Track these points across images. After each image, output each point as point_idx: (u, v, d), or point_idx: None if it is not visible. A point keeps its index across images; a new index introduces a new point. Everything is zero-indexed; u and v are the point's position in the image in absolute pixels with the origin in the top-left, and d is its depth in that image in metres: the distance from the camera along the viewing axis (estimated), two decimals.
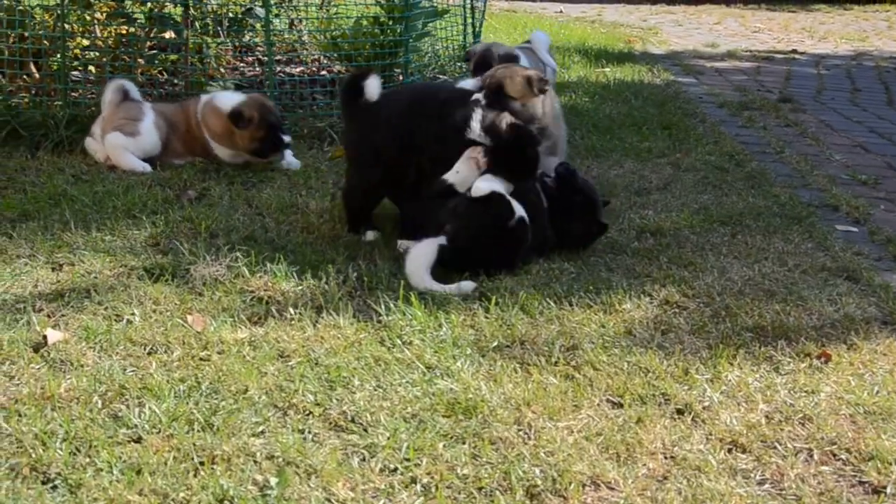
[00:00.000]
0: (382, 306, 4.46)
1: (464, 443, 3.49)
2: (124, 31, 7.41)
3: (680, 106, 9.23)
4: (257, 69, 8.60)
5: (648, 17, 17.71)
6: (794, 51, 14.14)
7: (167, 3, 7.66)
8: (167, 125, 6.59)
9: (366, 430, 3.53)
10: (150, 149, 6.52)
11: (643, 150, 7.47)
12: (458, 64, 9.44)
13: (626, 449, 3.51)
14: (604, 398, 3.85)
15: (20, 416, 3.47)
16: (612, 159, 7.20)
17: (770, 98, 10.08)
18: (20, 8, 7.12)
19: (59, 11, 6.98)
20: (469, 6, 9.41)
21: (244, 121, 6.45)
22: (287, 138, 6.59)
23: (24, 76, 7.12)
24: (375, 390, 3.80)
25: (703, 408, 3.80)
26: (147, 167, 6.38)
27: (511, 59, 6.78)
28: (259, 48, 8.73)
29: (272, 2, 9.02)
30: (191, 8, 7.78)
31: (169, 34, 7.52)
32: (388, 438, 3.47)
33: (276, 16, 9.32)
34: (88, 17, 7.28)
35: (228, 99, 6.64)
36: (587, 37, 13.89)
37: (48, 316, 4.25)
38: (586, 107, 8.98)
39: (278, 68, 8.70)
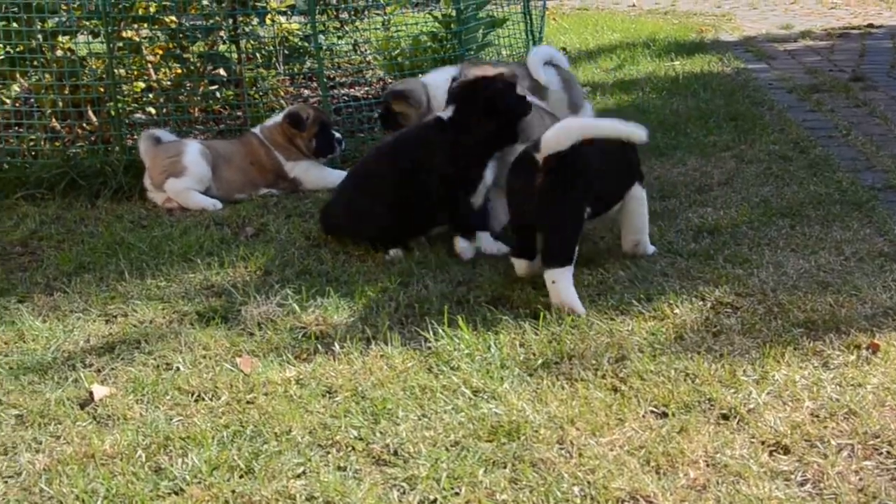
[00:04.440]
0: (431, 332, 4.46)
1: (504, 467, 3.48)
2: (178, 72, 7.50)
3: (748, 94, 9.07)
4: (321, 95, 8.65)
5: (722, 3, 17.44)
6: (871, 25, 13.83)
7: (218, 41, 7.74)
8: (216, 156, 6.68)
9: (406, 463, 3.53)
10: (204, 176, 6.58)
11: (708, 145, 7.36)
12: None
13: (667, 460, 3.47)
14: (648, 409, 3.81)
15: (62, 476, 3.51)
16: (675, 157, 7.10)
17: (841, 78, 9.86)
18: (72, 58, 7.24)
19: (108, 58, 7.07)
20: (527, 12, 9.36)
21: (302, 121, 6.74)
22: (338, 135, 6.96)
23: (83, 125, 7.23)
24: (419, 420, 3.80)
25: (748, 410, 3.75)
26: (217, 203, 6.47)
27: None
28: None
29: (334, 26, 9.11)
30: (243, 43, 7.85)
31: (221, 71, 7.59)
32: (429, 469, 3.46)
33: (340, 38, 9.38)
34: (142, 61, 7.37)
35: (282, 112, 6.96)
36: (658, 30, 13.72)
37: (98, 371, 4.30)
38: (654, 104, 8.87)
39: (342, 91, 8.74)
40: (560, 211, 4.82)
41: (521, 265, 5.05)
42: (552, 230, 4.83)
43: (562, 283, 4.72)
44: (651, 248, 5.33)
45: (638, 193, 5.25)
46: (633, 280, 4.96)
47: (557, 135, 4.79)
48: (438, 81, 6.59)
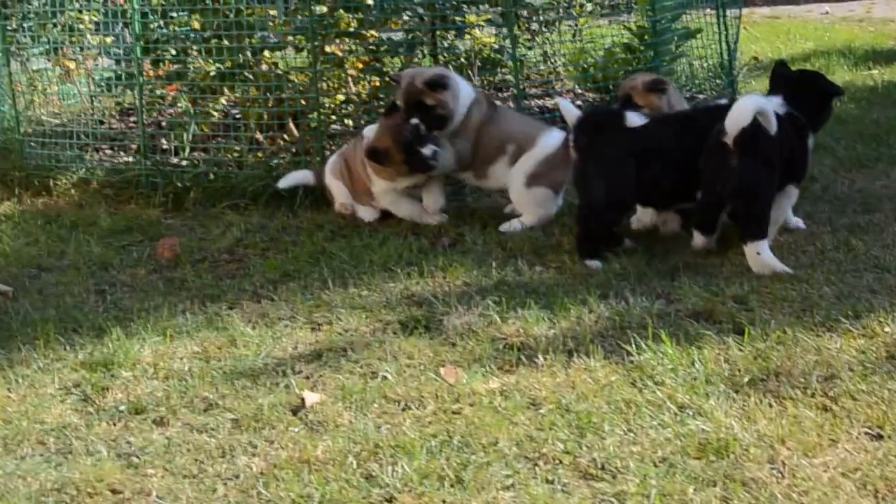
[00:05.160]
0: (633, 346, 4.44)
1: (714, 485, 3.44)
2: (377, 85, 7.62)
3: None
4: (512, 105, 8.68)
5: None
6: None
7: (418, 56, 7.86)
8: (344, 166, 6.62)
9: (615, 478, 3.52)
10: (344, 193, 6.58)
11: None
12: (716, 81, 9.30)
13: (885, 485, 3.38)
14: (862, 430, 3.72)
15: (278, 480, 3.61)
16: (877, 169, 6.95)
17: None
18: (277, 72, 7.43)
19: (313, 72, 7.24)
20: (722, 21, 9.23)
21: (383, 155, 6.15)
22: (428, 150, 6.12)
23: (283, 137, 7.41)
24: (625, 435, 3.79)
25: None
26: (370, 213, 6.49)
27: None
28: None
29: (525, 38, 9.14)
30: (441, 55, 7.96)
31: None
32: (638, 485, 3.45)
33: (530, 48, 9.41)
34: (342, 75, 7.52)
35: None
36: (853, 37, 13.40)
37: (307, 377, 4.39)
38: (851, 114, 8.66)
39: (532, 102, 8.76)
40: (758, 189, 5.26)
41: (700, 239, 5.51)
42: (751, 207, 5.29)
43: (765, 252, 5.23)
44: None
45: (790, 191, 5.60)
46: (839, 296, 4.87)
47: (736, 113, 5.17)
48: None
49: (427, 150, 6.08)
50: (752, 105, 5.20)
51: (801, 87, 5.64)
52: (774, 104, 5.42)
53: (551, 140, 6.31)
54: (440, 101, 6.16)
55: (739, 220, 5.37)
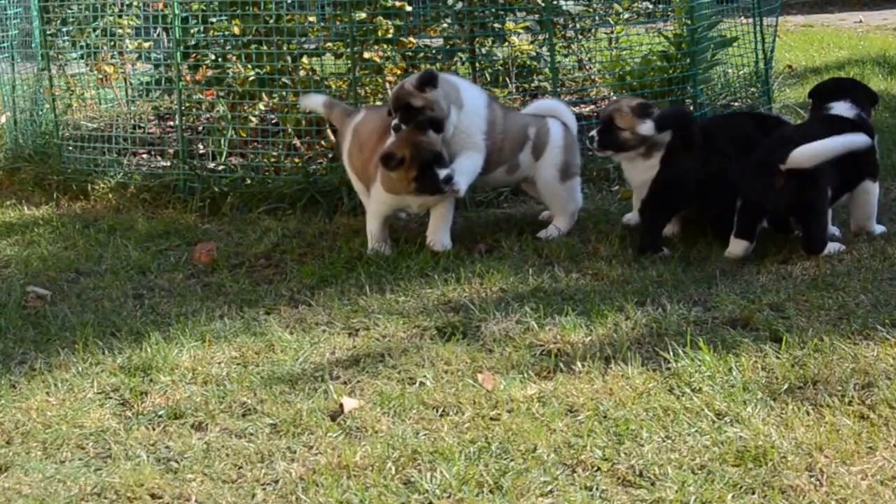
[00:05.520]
0: (671, 353, 4.44)
1: (753, 493, 3.45)
2: None
3: None
4: None
5: None
6: None
7: (456, 62, 7.89)
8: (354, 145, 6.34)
9: (653, 485, 3.53)
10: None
11: None
12: (752, 90, 9.27)
13: None
14: None
15: (318, 486, 3.62)
16: None
17: None
18: (315, 78, 7.47)
19: (351, 78, 7.27)
20: (758, 30, 9.21)
21: (396, 162, 5.72)
22: (444, 172, 5.74)
23: (321, 143, 7.44)
24: (664, 442, 3.79)
25: None
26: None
27: None
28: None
29: (561, 45, 9.13)
30: (478, 62, 7.99)
31: None
32: (676, 492, 3.46)
33: (566, 55, 9.41)
34: (381, 81, 7.54)
35: None
36: (888, 46, 13.31)
37: (345, 383, 4.41)
38: (888, 122, 8.63)
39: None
40: (811, 206, 5.44)
41: (739, 245, 5.54)
42: (809, 223, 5.50)
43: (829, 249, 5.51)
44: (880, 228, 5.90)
45: (868, 187, 5.80)
46: (875, 304, 4.87)
47: (809, 158, 5.29)
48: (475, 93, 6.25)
49: (443, 173, 5.71)
50: (824, 152, 5.35)
51: (862, 91, 5.98)
52: (843, 108, 5.77)
53: (557, 126, 6.37)
54: (428, 101, 5.83)
55: (802, 235, 5.59)
